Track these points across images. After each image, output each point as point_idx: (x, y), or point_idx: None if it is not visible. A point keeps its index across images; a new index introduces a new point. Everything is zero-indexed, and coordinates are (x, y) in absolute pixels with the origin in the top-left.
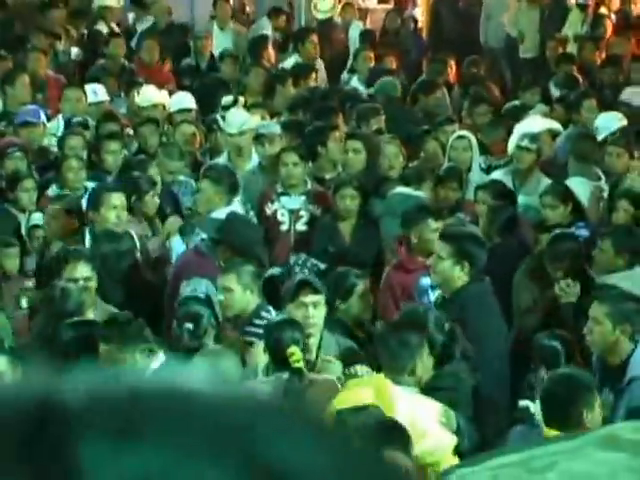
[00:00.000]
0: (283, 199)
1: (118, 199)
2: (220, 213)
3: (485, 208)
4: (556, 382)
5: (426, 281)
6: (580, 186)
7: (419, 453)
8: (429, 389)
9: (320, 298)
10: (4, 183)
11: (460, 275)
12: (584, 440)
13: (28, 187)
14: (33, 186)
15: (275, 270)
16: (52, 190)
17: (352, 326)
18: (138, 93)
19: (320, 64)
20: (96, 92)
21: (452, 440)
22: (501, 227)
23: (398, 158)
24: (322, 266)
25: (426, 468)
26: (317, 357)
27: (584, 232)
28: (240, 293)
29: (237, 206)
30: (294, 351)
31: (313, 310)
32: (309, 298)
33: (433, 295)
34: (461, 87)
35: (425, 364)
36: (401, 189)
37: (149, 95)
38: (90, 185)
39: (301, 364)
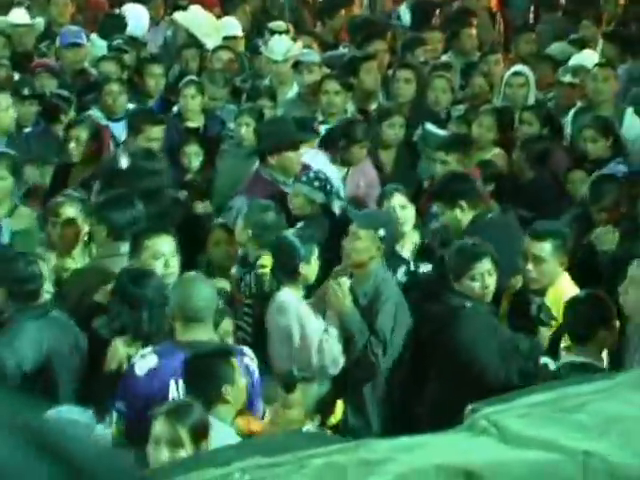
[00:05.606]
0: (323, 128)
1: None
2: None
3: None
4: None
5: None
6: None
7: None
8: None
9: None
10: None
11: None
12: (616, 381)
13: None
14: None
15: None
16: (93, 112)
17: None
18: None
19: None
20: (139, 18)
21: None
22: (534, 159)
23: (446, 93)
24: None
25: None
26: None
27: (622, 168)
28: None
29: None
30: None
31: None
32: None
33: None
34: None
35: None
36: (431, 127)
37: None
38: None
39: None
